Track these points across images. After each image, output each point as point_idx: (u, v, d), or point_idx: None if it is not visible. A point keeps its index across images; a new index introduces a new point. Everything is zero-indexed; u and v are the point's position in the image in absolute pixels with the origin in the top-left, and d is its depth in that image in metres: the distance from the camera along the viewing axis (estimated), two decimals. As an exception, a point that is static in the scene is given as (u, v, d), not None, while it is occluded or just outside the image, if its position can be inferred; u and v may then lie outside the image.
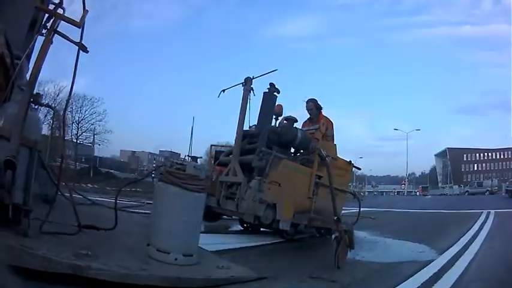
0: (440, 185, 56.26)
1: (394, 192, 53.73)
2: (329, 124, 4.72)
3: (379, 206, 11.90)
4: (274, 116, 4.28)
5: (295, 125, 3.89)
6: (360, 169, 6.55)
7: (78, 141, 29.75)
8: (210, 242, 3.02)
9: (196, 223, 2.10)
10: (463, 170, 58.18)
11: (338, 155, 4.15)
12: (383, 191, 56.59)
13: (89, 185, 8.84)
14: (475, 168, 58.46)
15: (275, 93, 4.01)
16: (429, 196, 32.91)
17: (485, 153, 57.10)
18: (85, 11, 2.14)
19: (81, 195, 4.21)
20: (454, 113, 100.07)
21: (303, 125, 4.93)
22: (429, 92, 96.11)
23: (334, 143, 4.76)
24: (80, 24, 2.08)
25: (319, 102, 4.81)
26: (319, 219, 3.72)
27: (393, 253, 3.33)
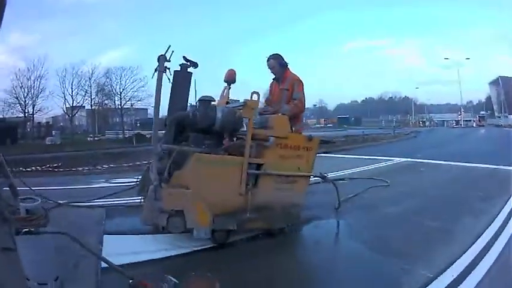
0: (496, 114, 51.08)
1: (453, 122, 51.40)
2: (297, 84, 3.53)
3: (419, 150, 10.23)
4: (227, 85, 3.24)
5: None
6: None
7: (122, 112, 31.32)
8: (124, 250, 2.53)
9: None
10: (516, 98, 50.40)
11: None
12: (444, 120, 54.33)
13: (104, 166, 8.86)
14: (528, 97, 50.16)
15: (189, 70, 2.92)
16: (483, 131, 28.67)
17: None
18: None
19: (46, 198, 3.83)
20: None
21: (270, 86, 3.85)
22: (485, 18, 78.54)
23: (304, 104, 3.62)
24: None
25: (283, 59, 3.64)
26: (261, 218, 2.82)
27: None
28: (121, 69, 30.41)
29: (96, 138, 27.69)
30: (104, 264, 1.99)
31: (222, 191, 2.66)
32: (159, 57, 2.77)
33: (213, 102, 2.87)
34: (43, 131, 29.48)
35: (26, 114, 27.70)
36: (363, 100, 69.90)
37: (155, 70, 3.14)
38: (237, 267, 2.35)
